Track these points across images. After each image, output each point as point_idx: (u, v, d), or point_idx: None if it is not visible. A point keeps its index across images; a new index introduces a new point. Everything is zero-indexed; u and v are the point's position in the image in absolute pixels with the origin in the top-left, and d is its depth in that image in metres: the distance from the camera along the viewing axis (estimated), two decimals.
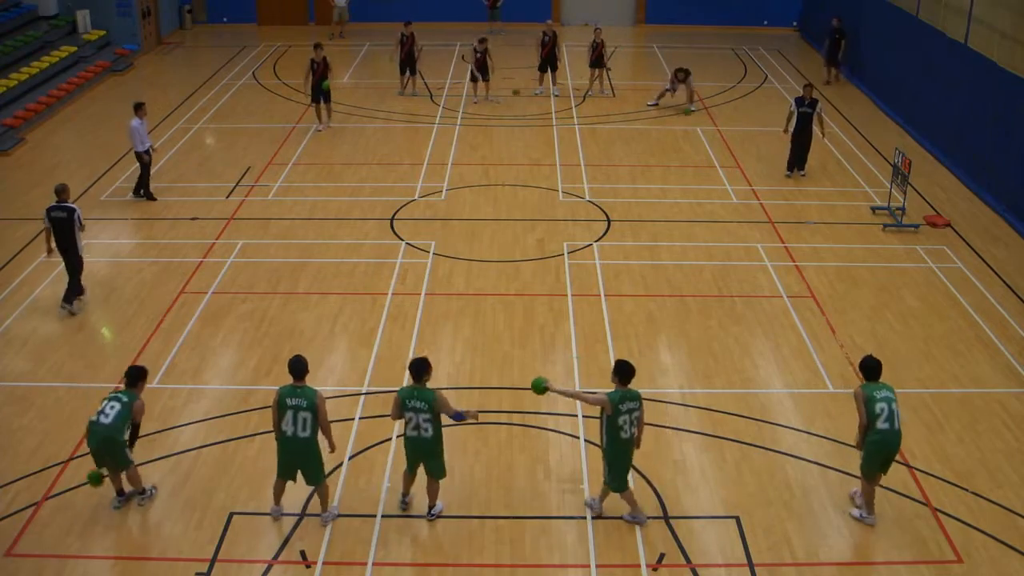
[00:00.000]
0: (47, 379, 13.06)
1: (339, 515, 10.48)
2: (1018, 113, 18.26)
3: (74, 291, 14.72)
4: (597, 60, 25.39)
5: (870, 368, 10.35)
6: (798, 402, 12.65)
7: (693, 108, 24.38)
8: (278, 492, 10.47)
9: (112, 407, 10.24)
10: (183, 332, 14.18)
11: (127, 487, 10.64)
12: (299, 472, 10.25)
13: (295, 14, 34.79)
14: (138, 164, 18.65)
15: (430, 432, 10.08)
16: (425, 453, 10.21)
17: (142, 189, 18.79)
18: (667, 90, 24.75)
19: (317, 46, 22.58)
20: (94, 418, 10.26)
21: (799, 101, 19.48)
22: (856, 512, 10.50)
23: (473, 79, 25.14)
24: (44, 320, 14.59)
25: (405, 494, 10.62)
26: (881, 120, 24.31)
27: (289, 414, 9.99)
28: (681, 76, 24.45)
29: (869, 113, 24.79)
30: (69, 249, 14.52)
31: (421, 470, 10.39)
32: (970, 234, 17.64)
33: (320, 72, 22.26)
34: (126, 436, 10.35)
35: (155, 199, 18.78)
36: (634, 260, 16.44)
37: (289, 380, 10.12)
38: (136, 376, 10.57)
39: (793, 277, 15.91)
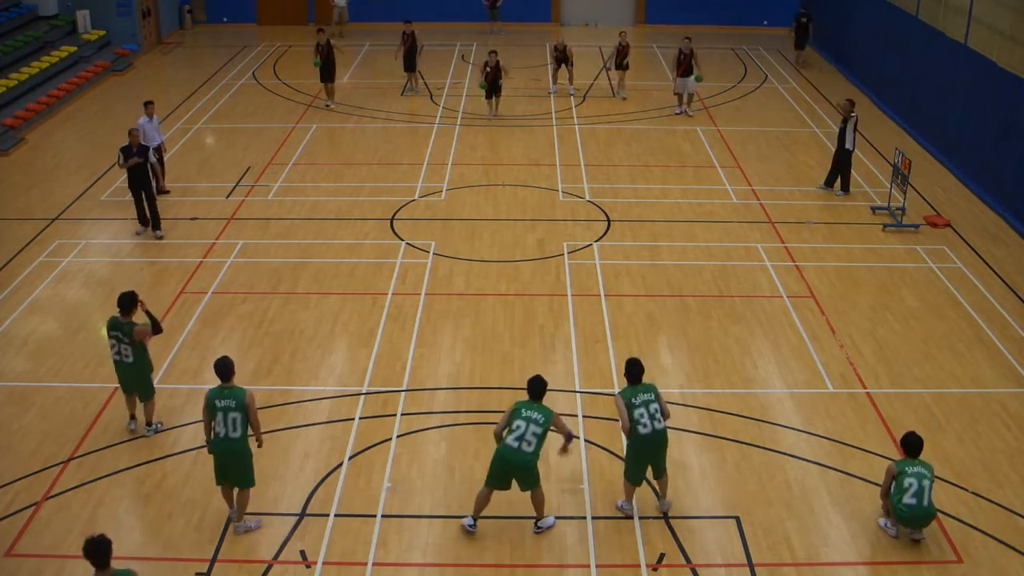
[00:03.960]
0: (47, 379, 13.06)
1: (253, 529, 10.28)
2: (1018, 113, 18.25)
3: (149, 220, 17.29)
4: (621, 63, 25.22)
5: (909, 444, 10.23)
6: (798, 402, 12.65)
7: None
8: (226, 496, 10.33)
9: (125, 348, 11.39)
10: (183, 332, 14.17)
11: (140, 416, 11.95)
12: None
13: (295, 14, 34.80)
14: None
15: (532, 447, 9.94)
16: (521, 466, 10.00)
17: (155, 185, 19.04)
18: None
19: (320, 30, 24.95)
20: (116, 359, 11.50)
21: (844, 119, 18.84)
22: (883, 522, 10.45)
23: (488, 96, 23.85)
24: (44, 320, 14.60)
25: (476, 518, 10.27)
26: (881, 120, 24.31)
27: (219, 416, 9.93)
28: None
29: (869, 113, 24.76)
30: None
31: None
32: (970, 234, 17.64)
33: (325, 53, 24.02)
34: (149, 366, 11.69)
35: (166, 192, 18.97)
36: (634, 260, 16.44)
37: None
38: (129, 302, 11.42)
39: (793, 277, 15.91)
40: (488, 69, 23.50)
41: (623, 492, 10.64)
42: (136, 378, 11.63)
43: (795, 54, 29.48)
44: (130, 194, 17.27)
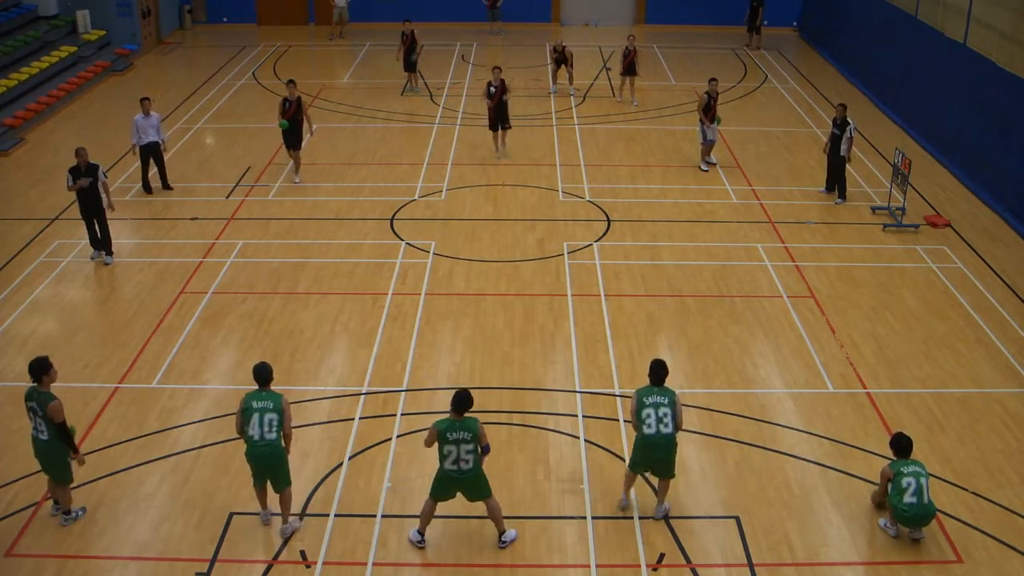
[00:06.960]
0: None
1: (298, 528, 10.32)
2: (1018, 113, 18.26)
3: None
4: (629, 68, 24.80)
5: (900, 446, 10.31)
6: (798, 402, 12.65)
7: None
8: (261, 498, 10.36)
9: (40, 422, 10.03)
10: (183, 332, 14.18)
11: (61, 500, 10.47)
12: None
13: (295, 14, 34.80)
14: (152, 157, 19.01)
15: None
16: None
17: (161, 180, 19.19)
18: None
19: (291, 82, 19.39)
20: (33, 433, 10.18)
21: (833, 121, 18.80)
22: (883, 522, 10.46)
23: (493, 126, 21.02)
24: (44, 320, 14.60)
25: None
26: (881, 120, 24.31)
27: (255, 417, 9.91)
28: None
29: (869, 113, 24.79)
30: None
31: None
32: (970, 234, 17.64)
33: (292, 111, 19.07)
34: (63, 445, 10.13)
35: (150, 192, 19.01)
36: (634, 260, 16.44)
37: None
38: (39, 369, 10.01)
39: (793, 277, 15.92)
40: (493, 89, 20.61)
41: (623, 488, 10.65)
42: (46, 457, 10.18)
43: (751, 37, 31.77)
44: (82, 217, 16.13)
